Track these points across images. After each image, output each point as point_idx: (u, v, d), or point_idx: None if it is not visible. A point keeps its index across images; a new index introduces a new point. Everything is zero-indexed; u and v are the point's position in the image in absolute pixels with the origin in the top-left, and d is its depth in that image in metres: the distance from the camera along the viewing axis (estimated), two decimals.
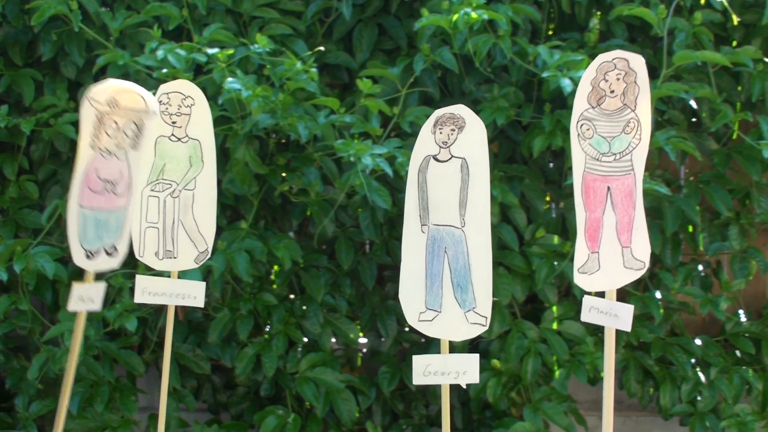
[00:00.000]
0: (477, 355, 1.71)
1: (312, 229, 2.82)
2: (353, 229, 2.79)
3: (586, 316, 1.70)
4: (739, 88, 2.67)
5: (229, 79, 2.36)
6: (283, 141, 2.74)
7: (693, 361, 2.74)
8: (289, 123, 2.43)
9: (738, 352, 2.82)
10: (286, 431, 2.65)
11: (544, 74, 2.40)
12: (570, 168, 2.65)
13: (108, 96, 1.72)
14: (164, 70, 2.42)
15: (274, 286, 2.79)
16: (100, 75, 2.69)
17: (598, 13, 2.72)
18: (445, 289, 1.69)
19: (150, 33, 2.50)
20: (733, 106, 2.61)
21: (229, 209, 2.84)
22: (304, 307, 2.76)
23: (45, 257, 2.51)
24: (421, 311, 1.69)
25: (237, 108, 2.49)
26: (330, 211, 2.68)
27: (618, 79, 1.66)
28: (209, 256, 1.94)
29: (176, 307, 2.92)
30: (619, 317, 1.66)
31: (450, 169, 1.69)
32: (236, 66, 2.49)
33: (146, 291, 1.89)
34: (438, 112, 1.69)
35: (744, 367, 2.74)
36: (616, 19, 2.62)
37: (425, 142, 1.70)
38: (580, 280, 1.70)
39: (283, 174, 2.65)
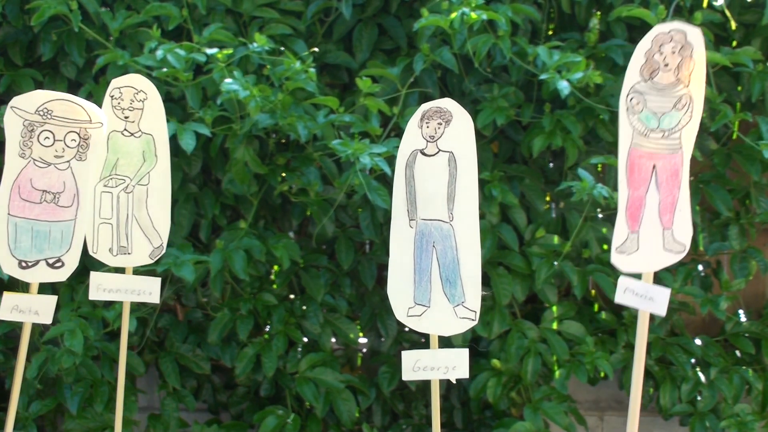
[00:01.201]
0: (466, 350, 1.69)
1: (312, 229, 2.82)
2: (353, 229, 2.79)
3: (620, 297, 1.65)
4: (739, 89, 2.67)
5: (227, 80, 2.36)
6: (283, 141, 2.74)
7: (693, 361, 2.74)
8: (288, 123, 2.43)
9: (738, 352, 2.82)
10: (286, 431, 2.65)
11: (542, 76, 2.40)
12: (570, 168, 2.67)
13: (38, 105, 1.71)
14: (164, 70, 2.42)
15: (274, 286, 2.79)
16: (100, 75, 2.70)
17: (598, 13, 2.72)
18: (434, 284, 1.68)
19: (150, 33, 2.50)
20: (733, 107, 2.61)
21: (228, 209, 2.84)
22: (304, 307, 2.76)
23: None
24: (409, 306, 1.68)
25: (236, 108, 2.49)
26: (330, 210, 2.68)
27: (673, 52, 1.59)
28: (164, 251, 1.92)
29: (176, 307, 2.94)
30: (654, 300, 1.61)
31: (437, 163, 1.67)
32: (236, 66, 2.49)
33: (101, 287, 1.87)
34: (424, 106, 1.67)
35: (744, 367, 2.74)
36: (616, 20, 2.62)
37: (412, 136, 1.68)
38: (617, 259, 1.64)
39: (283, 174, 2.65)
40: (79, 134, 1.74)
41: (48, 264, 1.76)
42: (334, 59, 2.76)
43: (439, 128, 1.67)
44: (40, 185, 1.74)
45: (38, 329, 2.78)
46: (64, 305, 2.65)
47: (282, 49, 2.60)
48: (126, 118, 1.86)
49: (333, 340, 2.86)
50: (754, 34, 2.68)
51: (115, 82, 1.84)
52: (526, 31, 2.70)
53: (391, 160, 2.45)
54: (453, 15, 2.41)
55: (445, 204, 1.67)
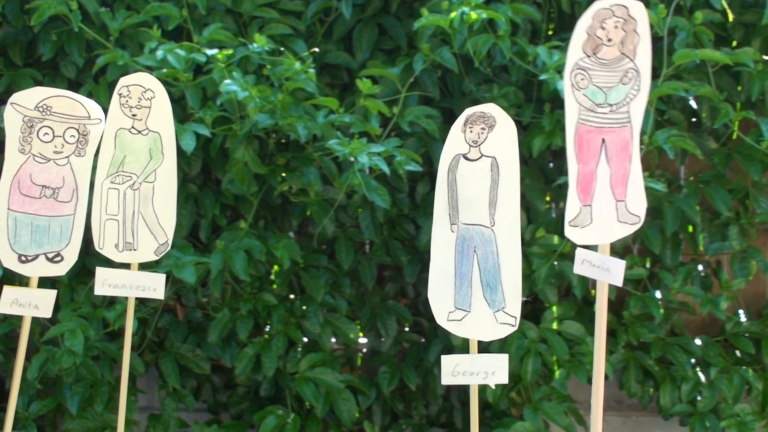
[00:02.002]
0: (506, 356, 1.69)
1: (312, 229, 2.82)
2: (353, 229, 2.79)
3: (578, 269, 1.65)
4: (739, 88, 2.67)
5: (226, 81, 2.36)
6: (283, 141, 2.74)
7: (693, 361, 2.74)
8: (288, 123, 2.43)
9: (738, 352, 2.82)
10: (286, 431, 2.65)
11: (542, 77, 2.40)
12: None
13: (38, 101, 1.74)
14: (164, 70, 2.42)
15: (274, 286, 2.79)
16: (100, 75, 2.70)
17: None
18: (475, 289, 1.67)
19: (150, 33, 2.50)
20: (733, 106, 2.61)
21: (228, 209, 2.84)
22: (304, 307, 2.76)
23: None
24: (450, 311, 1.68)
25: (236, 108, 2.49)
26: (330, 210, 2.68)
27: (616, 27, 1.57)
28: (169, 248, 1.93)
29: (176, 307, 2.94)
30: (611, 271, 1.60)
31: (480, 168, 1.67)
32: (236, 66, 2.49)
33: (106, 283, 1.88)
34: (468, 111, 1.67)
35: (744, 367, 2.74)
36: None
37: (455, 140, 1.68)
38: (571, 233, 1.64)
39: (283, 174, 2.65)
40: (78, 130, 1.76)
41: (47, 258, 1.77)
42: (334, 59, 2.77)
43: (482, 133, 1.67)
44: (39, 180, 1.75)
45: (38, 329, 2.78)
46: (64, 305, 2.65)
47: (282, 49, 2.60)
48: (134, 116, 1.87)
49: (333, 340, 2.86)
50: (754, 34, 2.68)
51: (124, 80, 1.85)
52: (526, 31, 2.70)
53: (390, 159, 2.45)
54: (453, 14, 2.41)
55: (486, 209, 1.66)
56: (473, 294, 1.68)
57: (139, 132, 1.87)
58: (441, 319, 1.68)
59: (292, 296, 2.86)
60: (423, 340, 2.91)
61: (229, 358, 2.77)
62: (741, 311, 2.86)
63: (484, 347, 2.78)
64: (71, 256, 1.78)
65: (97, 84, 2.66)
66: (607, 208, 1.60)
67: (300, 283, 2.80)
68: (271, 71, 2.47)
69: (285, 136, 2.68)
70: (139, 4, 2.66)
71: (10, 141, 1.73)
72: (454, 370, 1.68)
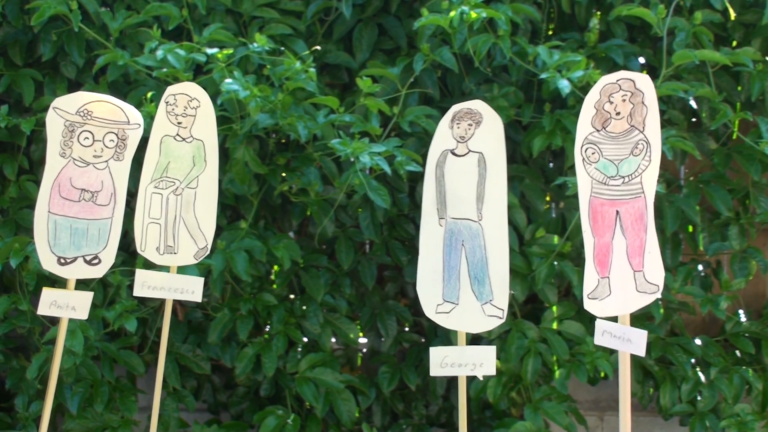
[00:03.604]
0: (494, 348, 1.71)
1: (312, 229, 2.82)
2: (353, 229, 2.79)
3: (599, 340, 1.64)
4: (739, 88, 2.67)
5: (227, 80, 2.37)
6: (283, 141, 2.74)
7: (693, 361, 2.74)
8: (288, 123, 2.43)
9: (738, 352, 2.82)
10: (286, 431, 2.65)
11: (543, 75, 2.40)
12: (570, 167, 2.67)
13: (79, 106, 1.78)
14: (164, 70, 2.42)
15: (274, 286, 2.79)
16: (100, 75, 2.70)
17: (598, 13, 2.72)
18: (463, 282, 1.70)
19: (150, 33, 2.50)
20: (733, 106, 2.61)
21: (229, 209, 2.84)
22: (304, 307, 2.76)
23: None
24: (438, 303, 1.71)
25: (237, 108, 2.49)
26: (330, 210, 2.68)
27: (624, 100, 1.60)
28: (208, 252, 1.98)
29: (176, 307, 2.93)
30: (632, 342, 1.60)
31: (467, 164, 1.70)
32: (236, 66, 2.49)
33: (145, 285, 1.93)
34: (455, 107, 1.70)
35: (744, 367, 2.74)
36: (616, 19, 2.62)
37: (443, 136, 1.71)
38: (590, 305, 1.63)
39: (283, 174, 2.65)
40: (117, 135, 1.81)
41: (85, 261, 1.81)
42: (334, 59, 2.77)
43: (469, 129, 1.69)
44: (79, 184, 1.80)
45: (38, 329, 2.78)
46: None
47: (282, 49, 2.60)
48: (179, 123, 1.93)
49: (333, 340, 2.86)
50: (754, 34, 2.68)
51: (171, 89, 1.92)
52: (526, 31, 2.70)
53: (391, 159, 2.45)
54: (453, 14, 2.41)
55: (474, 203, 1.70)
56: (461, 287, 1.70)
57: (184, 139, 1.93)
58: (429, 312, 1.71)
59: (292, 296, 2.86)
60: (423, 340, 2.91)
61: (229, 358, 2.77)
62: (741, 311, 2.86)
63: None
64: (108, 258, 1.82)
65: (97, 84, 2.66)
66: (625, 279, 1.61)
67: (300, 283, 2.80)
68: (272, 71, 2.47)
69: (285, 136, 2.68)
70: (139, 4, 2.66)
71: (51, 145, 1.78)
72: (442, 361, 1.70)
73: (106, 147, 1.80)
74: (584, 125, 1.63)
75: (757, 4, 2.66)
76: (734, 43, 2.71)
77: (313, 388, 2.68)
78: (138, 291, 1.92)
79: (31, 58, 2.80)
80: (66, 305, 1.81)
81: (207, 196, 1.95)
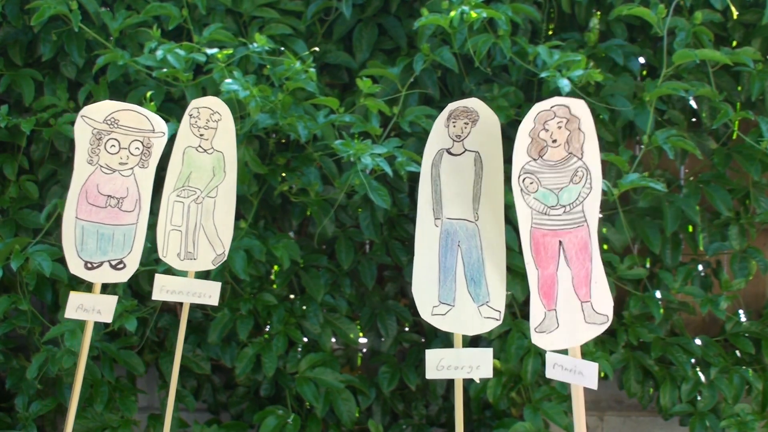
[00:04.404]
0: (490, 350, 1.69)
1: (312, 229, 2.82)
2: (353, 229, 2.79)
3: (550, 373, 1.59)
4: (739, 88, 2.67)
5: (227, 80, 2.37)
6: (283, 141, 2.74)
7: (693, 361, 2.74)
8: (288, 123, 2.43)
9: (738, 352, 2.82)
10: (286, 431, 2.65)
11: (543, 74, 2.40)
12: None
13: (106, 115, 1.82)
14: (164, 70, 2.42)
15: (274, 286, 2.79)
16: (100, 75, 2.70)
17: (598, 12, 2.72)
18: (459, 283, 1.67)
19: (150, 33, 2.50)
20: (733, 106, 2.61)
21: None
22: (304, 307, 2.76)
23: (43, 256, 2.51)
24: (434, 305, 1.68)
25: (236, 108, 2.49)
26: (330, 211, 2.68)
27: (560, 127, 1.54)
28: (225, 258, 2.05)
29: (176, 307, 2.93)
30: (584, 375, 1.54)
31: (463, 163, 1.67)
32: (236, 66, 2.49)
33: (164, 289, 1.98)
34: (451, 106, 1.67)
35: (744, 367, 2.74)
36: (616, 19, 2.62)
37: (439, 135, 1.68)
38: (538, 339, 1.57)
39: (283, 174, 2.65)
40: (142, 143, 1.86)
41: (111, 265, 1.86)
42: (334, 59, 2.76)
43: (465, 128, 1.67)
44: (105, 190, 1.85)
45: (38, 329, 2.78)
46: (64, 305, 2.65)
47: (282, 49, 2.60)
48: (201, 135, 1.99)
49: (333, 340, 2.86)
50: (754, 34, 2.68)
51: (195, 103, 1.97)
52: (526, 31, 2.70)
53: (391, 160, 2.45)
54: (453, 14, 2.41)
55: (470, 203, 1.67)
56: (457, 288, 1.68)
57: (205, 151, 1.99)
58: (425, 314, 1.68)
59: (292, 296, 2.86)
60: (423, 340, 2.91)
61: (229, 358, 2.77)
62: (741, 311, 2.86)
63: (485, 347, 2.78)
64: (133, 263, 1.88)
65: (97, 84, 2.66)
66: (572, 310, 1.56)
67: (300, 283, 2.80)
68: (271, 71, 2.47)
69: (285, 136, 2.68)
70: (139, 4, 2.66)
71: (79, 152, 1.82)
72: (438, 364, 1.68)
73: (132, 154, 1.86)
74: (520, 154, 1.57)
75: (757, 4, 2.66)
76: (734, 43, 2.71)
77: (313, 388, 2.69)
78: (157, 295, 1.97)
79: (31, 58, 2.80)
80: (92, 309, 1.85)
81: (225, 204, 2.02)
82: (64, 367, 2.55)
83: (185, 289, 2.00)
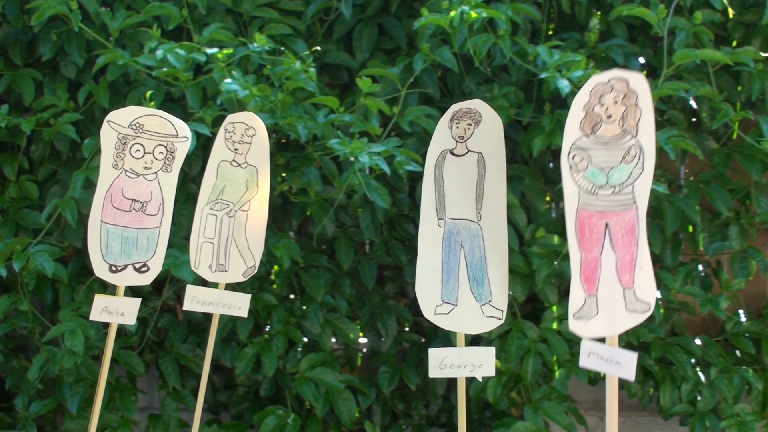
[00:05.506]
0: (493, 349, 1.70)
1: (312, 229, 2.82)
2: (353, 229, 2.79)
3: (584, 362, 1.51)
4: (739, 88, 2.67)
5: (227, 79, 2.37)
6: (283, 141, 2.74)
7: (693, 361, 2.74)
8: (288, 122, 2.43)
9: (738, 352, 2.82)
10: (286, 431, 2.65)
11: (543, 75, 2.40)
12: None
13: (131, 120, 1.85)
14: (164, 70, 2.42)
15: (274, 286, 2.79)
16: (100, 75, 2.70)
17: (598, 13, 2.72)
18: (462, 283, 1.69)
19: (150, 33, 2.50)
20: (734, 106, 2.61)
21: None
22: (304, 307, 2.76)
23: (44, 256, 2.51)
24: (437, 304, 1.69)
25: (236, 108, 2.49)
26: (330, 210, 2.68)
27: (616, 102, 1.46)
28: (256, 270, 2.07)
29: (176, 307, 2.93)
30: (621, 364, 1.47)
31: (466, 163, 1.69)
32: (236, 66, 2.49)
33: (195, 300, 2.01)
34: (455, 107, 1.68)
35: (744, 367, 2.74)
36: (616, 19, 2.62)
37: (442, 136, 1.70)
38: (576, 326, 1.50)
39: (283, 174, 2.65)
40: (166, 147, 1.89)
41: (135, 268, 1.89)
42: (334, 59, 2.77)
43: (468, 129, 1.68)
44: (130, 194, 1.87)
45: (39, 329, 2.78)
46: (64, 305, 2.65)
47: (282, 49, 2.60)
48: (235, 150, 2.02)
49: (333, 340, 2.86)
50: (754, 34, 2.68)
51: (231, 118, 2.00)
52: (526, 31, 2.70)
53: (390, 159, 2.45)
54: (453, 14, 2.41)
55: (473, 204, 1.69)
56: (460, 288, 1.69)
57: (239, 165, 2.02)
58: (428, 313, 1.69)
59: (292, 296, 2.86)
60: (423, 340, 2.91)
61: (229, 358, 2.77)
62: (741, 311, 2.86)
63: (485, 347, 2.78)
64: (156, 266, 1.90)
65: (97, 84, 2.66)
66: (614, 297, 1.48)
67: (300, 283, 2.80)
68: (271, 71, 2.47)
69: (285, 136, 2.68)
70: (139, 4, 2.66)
71: (105, 157, 1.84)
72: (441, 363, 1.69)
73: (156, 159, 1.88)
74: (572, 130, 1.49)
75: (757, 4, 2.66)
76: (734, 43, 2.71)
77: (313, 388, 2.69)
78: (188, 305, 2.00)
79: (31, 58, 2.80)
80: (116, 311, 1.87)
81: (257, 218, 2.04)
82: (64, 367, 2.55)
83: (216, 301, 2.03)
